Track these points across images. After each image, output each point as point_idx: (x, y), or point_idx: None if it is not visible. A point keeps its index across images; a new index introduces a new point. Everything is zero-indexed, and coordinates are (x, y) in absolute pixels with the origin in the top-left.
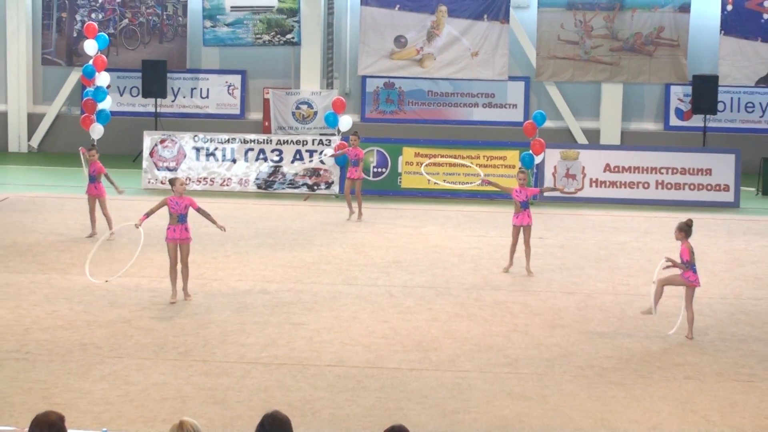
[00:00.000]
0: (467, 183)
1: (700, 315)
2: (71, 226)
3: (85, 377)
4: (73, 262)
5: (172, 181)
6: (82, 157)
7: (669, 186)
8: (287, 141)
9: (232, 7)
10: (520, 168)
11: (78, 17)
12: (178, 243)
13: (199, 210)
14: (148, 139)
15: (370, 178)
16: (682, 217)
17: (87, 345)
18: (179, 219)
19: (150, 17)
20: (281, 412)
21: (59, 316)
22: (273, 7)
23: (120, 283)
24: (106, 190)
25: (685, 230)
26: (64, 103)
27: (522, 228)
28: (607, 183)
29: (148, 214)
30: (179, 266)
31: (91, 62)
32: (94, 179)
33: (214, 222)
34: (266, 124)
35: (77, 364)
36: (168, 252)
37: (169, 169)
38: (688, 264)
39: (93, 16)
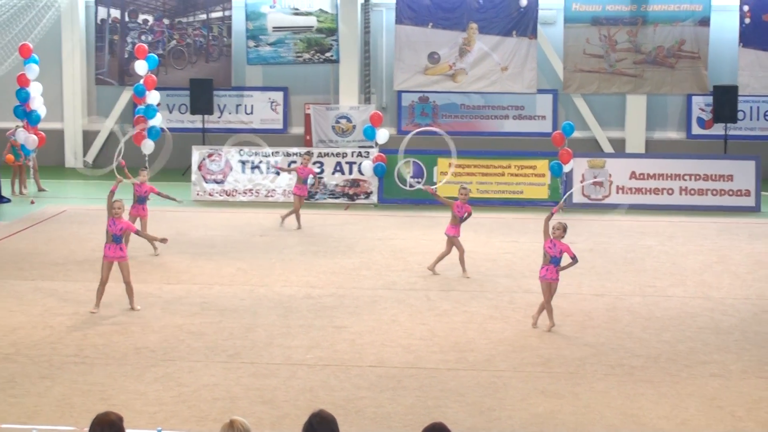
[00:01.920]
0: (499, 192)
1: (725, 315)
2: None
3: (140, 379)
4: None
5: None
6: (117, 170)
7: (692, 192)
8: (328, 153)
9: (274, 27)
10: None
11: (129, 39)
12: (115, 261)
13: (137, 233)
14: (197, 154)
15: (407, 188)
16: (706, 221)
17: (141, 349)
18: (114, 239)
19: (197, 38)
20: (327, 411)
21: (115, 321)
22: (312, 27)
23: (171, 290)
24: (165, 204)
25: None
26: (116, 121)
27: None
28: (633, 190)
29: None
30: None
31: (141, 81)
32: (143, 200)
33: (152, 239)
34: (307, 137)
35: (132, 367)
36: (101, 269)
37: (216, 182)
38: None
39: (143, 38)
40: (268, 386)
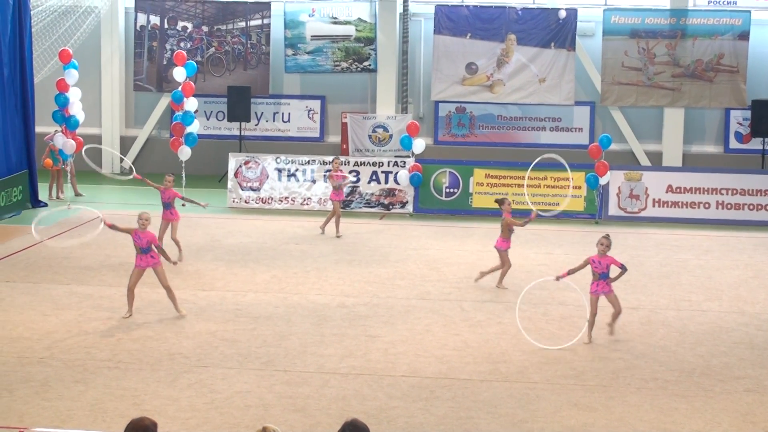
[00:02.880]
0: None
1: (760, 330)
2: (160, 242)
3: (173, 385)
4: None
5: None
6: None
7: (729, 206)
8: (364, 162)
9: (312, 36)
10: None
11: (168, 46)
12: (147, 268)
13: (158, 247)
14: (233, 161)
15: (443, 198)
16: (742, 236)
17: (175, 355)
18: (142, 251)
19: (235, 46)
20: (360, 420)
21: (149, 327)
22: (351, 36)
23: (206, 296)
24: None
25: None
26: (154, 127)
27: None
28: (669, 203)
29: (113, 227)
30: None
31: (179, 88)
32: (169, 206)
33: (166, 257)
34: (344, 146)
35: (166, 373)
36: (130, 275)
37: (252, 189)
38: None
39: (182, 45)
40: (301, 394)
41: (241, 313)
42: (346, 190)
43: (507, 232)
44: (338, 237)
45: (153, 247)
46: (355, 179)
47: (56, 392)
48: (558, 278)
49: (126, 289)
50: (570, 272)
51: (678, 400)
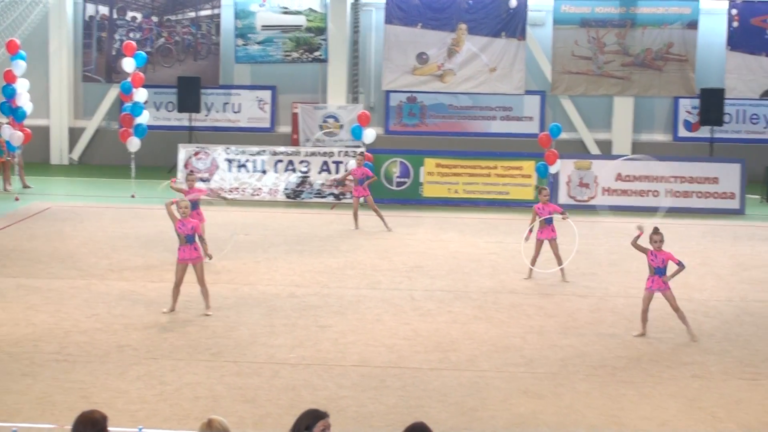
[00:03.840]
0: (486, 192)
1: (707, 317)
2: (110, 234)
3: (122, 377)
4: (111, 269)
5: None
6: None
7: (677, 194)
8: (315, 153)
9: (262, 26)
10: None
11: (117, 36)
12: (189, 263)
13: (200, 237)
14: (183, 152)
15: (393, 188)
16: (690, 223)
17: (124, 347)
18: (187, 240)
19: (185, 36)
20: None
21: (98, 319)
22: (302, 26)
23: (155, 288)
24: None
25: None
26: (103, 118)
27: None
28: (619, 191)
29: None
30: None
31: (129, 79)
32: (195, 205)
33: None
34: (295, 136)
35: (115, 365)
36: (176, 271)
37: (202, 180)
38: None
39: (131, 35)
40: (251, 385)
41: (190, 304)
42: (295, 180)
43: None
44: (356, 229)
45: (196, 237)
46: (305, 170)
47: (3, 386)
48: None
49: (173, 286)
50: (636, 240)
51: (626, 386)
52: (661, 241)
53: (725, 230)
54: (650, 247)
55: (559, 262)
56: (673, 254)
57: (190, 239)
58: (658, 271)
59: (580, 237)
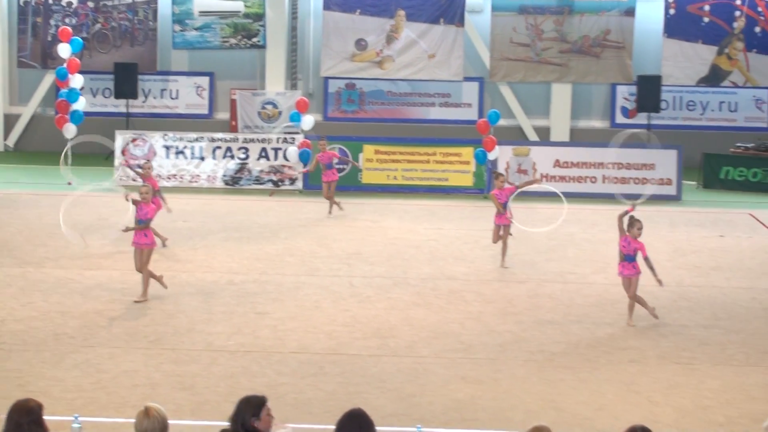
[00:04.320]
0: (425, 179)
1: None
2: (46, 221)
3: (58, 366)
4: (47, 256)
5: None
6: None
7: (615, 180)
8: (253, 139)
9: (200, 12)
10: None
11: (52, 22)
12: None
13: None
14: (120, 138)
15: None
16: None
17: (60, 335)
18: (139, 224)
19: (122, 22)
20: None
21: (34, 307)
22: (239, 11)
23: (92, 276)
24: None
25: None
26: (39, 105)
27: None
28: (557, 177)
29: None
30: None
31: (64, 65)
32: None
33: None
34: (233, 123)
35: (51, 354)
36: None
37: (140, 167)
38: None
39: (67, 20)
40: (189, 372)
41: (128, 292)
42: (234, 167)
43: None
44: (330, 214)
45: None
46: (244, 156)
47: None
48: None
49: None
50: (623, 214)
51: (564, 371)
52: (641, 230)
53: (662, 216)
54: (627, 233)
55: (505, 248)
56: (645, 247)
57: (142, 224)
58: (627, 258)
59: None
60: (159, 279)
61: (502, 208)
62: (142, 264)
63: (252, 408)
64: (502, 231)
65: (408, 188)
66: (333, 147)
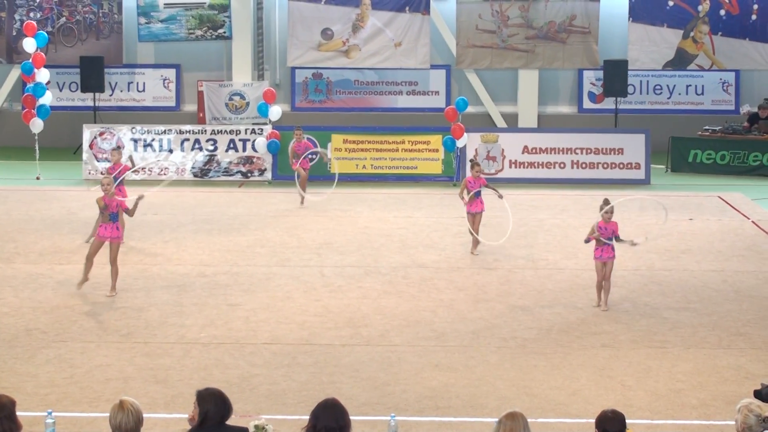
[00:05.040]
0: (394, 167)
1: (615, 286)
2: (15, 217)
3: (30, 361)
4: (17, 252)
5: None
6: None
7: (584, 165)
8: (221, 131)
9: (165, 3)
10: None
11: (17, 16)
12: (107, 241)
13: (127, 210)
14: (88, 132)
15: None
16: (597, 194)
17: (32, 330)
18: (110, 217)
19: (86, 15)
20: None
21: (4, 303)
22: (204, 3)
23: (63, 270)
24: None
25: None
26: (5, 100)
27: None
28: (526, 164)
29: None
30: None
31: (30, 59)
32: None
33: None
34: (201, 115)
35: (23, 349)
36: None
37: (108, 160)
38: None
39: (31, 14)
40: (162, 366)
41: (98, 286)
42: (202, 159)
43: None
44: (302, 205)
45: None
46: (212, 148)
47: None
48: (586, 241)
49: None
50: (588, 240)
51: (537, 357)
52: (611, 212)
53: (631, 201)
54: (593, 229)
55: (476, 234)
56: (618, 226)
57: (113, 217)
58: (608, 240)
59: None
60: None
61: (473, 196)
62: (112, 258)
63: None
64: (475, 219)
65: (377, 177)
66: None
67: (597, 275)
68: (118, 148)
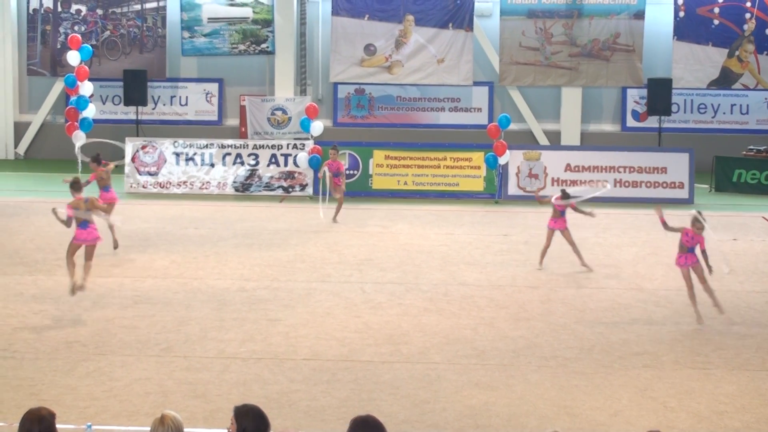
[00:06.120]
0: (435, 184)
1: (658, 306)
2: (57, 229)
3: (70, 374)
4: (58, 264)
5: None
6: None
7: (627, 184)
8: (263, 146)
9: (209, 18)
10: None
11: (62, 30)
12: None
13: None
14: (130, 146)
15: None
16: (639, 213)
17: (72, 343)
18: (81, 225)
19: (131, 29)
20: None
21: (45, 315)
22: (248, 18)
23: (103, 283)
24: None
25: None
26: (48, 112)
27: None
28: (568, 182)
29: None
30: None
31: (73, 72)
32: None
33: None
34: (243, 129)
35: (63, 362)
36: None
37: (150, 174)
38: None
39: (76, 28)
40: (201, 380)
41: (139, 299)
42: (244, 173)
43: (558, 212)
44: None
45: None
46: (254, 162)
47: None
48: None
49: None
50: (665, 223)
51: (578, 377)
52: (702, 228)
53: (674, 220)
54: (679, 230)
55: (575, 248)
56: (704, 241)
57: (84, 224)
58: (690, 249)
59: (531, 228)
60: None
61: (559, 214)
62: (88, 256)
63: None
64: (555, 235)
65: (418, 193)
66: (343, 153)
67: (686, 285)
68: (97, 160)
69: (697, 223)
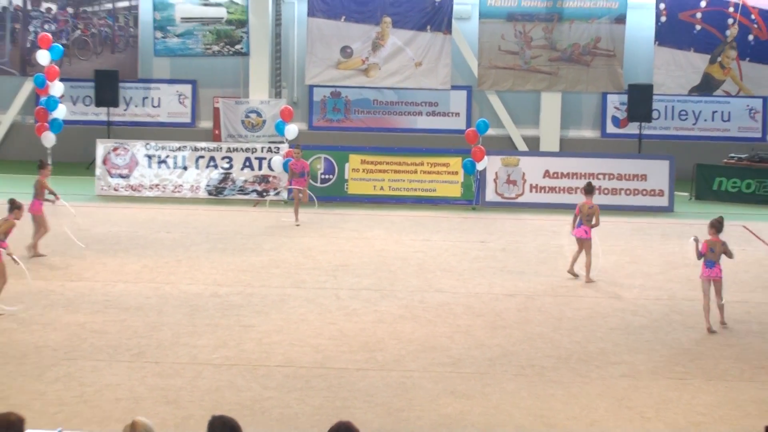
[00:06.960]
0: (412, 189)
1: (636, 315)
2: (26, 231)
3: (40, 379)
4: (28, 267)
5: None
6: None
7: (606, 191)
8: (237, 149)
9: (182, 18)
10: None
11: (31, 28)
12: None
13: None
14: (101, 147)
15: (318, 185)
16: (619, 221)
17: (42, 347)
18: None
19: (102, 28)
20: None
21: (15, 319)
22: (222, 18)
23: (74, 287)
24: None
25: (715, 226)
26: (17, 113)
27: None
28: (547, 188)
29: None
30: None
31: (43, 72)
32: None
33: None
34: (216, 132)
35: (33, 366)
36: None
37: (121, 176)
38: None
39: (46, 27)
40: (173, 386)
41: (110, 304)
42: (217, 177)
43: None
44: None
45: None
46: (228, 166)
47: None
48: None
49: None
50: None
51: (555, 386)
52: (718, 230)
53: (654, 228)
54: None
55: (589, 260)
56: (727, 245)
57: None
58: (710, 264)
59: (509, 235)
60: None
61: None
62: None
63: None
64: (578, 244)
65: (395, 199)
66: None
67: (703, 296)
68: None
69: (712, 229)
